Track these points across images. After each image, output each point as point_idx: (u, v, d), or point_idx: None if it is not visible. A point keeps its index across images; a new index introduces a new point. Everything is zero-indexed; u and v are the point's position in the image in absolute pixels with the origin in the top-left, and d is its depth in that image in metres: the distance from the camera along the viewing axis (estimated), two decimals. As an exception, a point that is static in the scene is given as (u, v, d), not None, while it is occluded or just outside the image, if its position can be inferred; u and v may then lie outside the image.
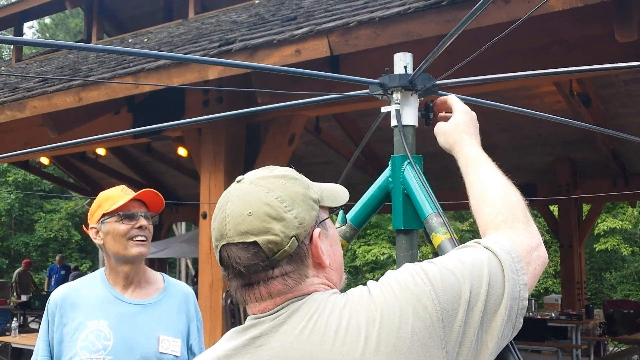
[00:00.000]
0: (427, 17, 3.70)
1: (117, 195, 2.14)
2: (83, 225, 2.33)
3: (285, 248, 0.98)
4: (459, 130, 1.47)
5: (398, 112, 1.50)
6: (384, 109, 1.53)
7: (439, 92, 1.57)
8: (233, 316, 5.22)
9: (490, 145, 9.96)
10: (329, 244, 1.06)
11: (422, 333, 0.95)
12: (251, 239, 0.98)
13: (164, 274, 2.33)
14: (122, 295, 2.15)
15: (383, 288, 1.01)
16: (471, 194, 1.29)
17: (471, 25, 3.71)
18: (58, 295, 2.18)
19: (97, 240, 2.15)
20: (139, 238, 2.11)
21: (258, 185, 1.02)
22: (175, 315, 2.20)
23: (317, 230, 1.02)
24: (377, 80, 1.52)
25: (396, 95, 1.50)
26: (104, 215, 2.11)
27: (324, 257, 1.03)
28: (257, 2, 7.51)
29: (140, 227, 2.11)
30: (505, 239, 1.10)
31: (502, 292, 1.01)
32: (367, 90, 1.56)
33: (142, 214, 2.13)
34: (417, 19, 3.72)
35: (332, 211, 1.14)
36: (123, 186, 2.21)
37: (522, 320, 1.04)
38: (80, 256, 24.02)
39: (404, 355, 0.94)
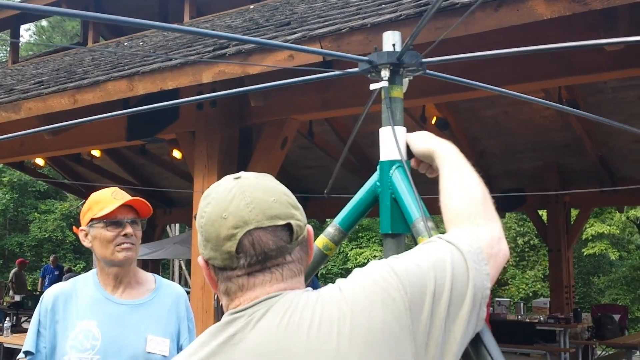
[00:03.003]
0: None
1: (106, 199, 2.15)
2: (74, 226, 2.36)
3: (304, 234, 1.08)
4: (432, 135, 1.50)
5: (386, 89, 1.53)
6: (372, 86, 1.56)
7: (427, 71, 1.61)
8: (225, 317, 5.26)
9: (479, 151, 10.11)
10: (313, 248, 1.17)
11: (391, 324, 0.99)
12: (281, 222, 1.04)
13: (156, 275, 2.35)
14: (112, 295, 2.18)
15: (352, 284, 1.05)
16: (440, 189, 1.35)
17: (460, 33, 3.79)
18: (51, 293, 2.20)
19: (86, 243, 2.19)
20: (124, 245, 2.13)
21: (266, 178, 1.10)
22: (165, 316, 2.21)
23: (309, 228, 1.11)
24: (366, 58, 1.56)
25: (384, 72, 1.53)
26: (92, 219, 2.14)
27: (312, 252, 1.13)
28: (251, 7, 7.57)
29: (125, 235, 2.13)
30: (467, 233, 1.16)
31: (467, 282, 1.06)
32: (357, 69, 1.59)
33: (129, 221, 2.14)
34: (408, 26, 3.78)
35: None
36: (115, 189, 2.22)
37: (485, 310, 1.09)
38: (74, 257, 23.94)
39: (377, 347, 0.97)
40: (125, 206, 2.15)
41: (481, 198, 1.26)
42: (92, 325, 2.10)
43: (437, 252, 1.10)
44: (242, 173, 1.11)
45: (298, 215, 1.07)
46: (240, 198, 1.04)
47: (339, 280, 1.08)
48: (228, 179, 1.09)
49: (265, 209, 1.03)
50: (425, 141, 1.44)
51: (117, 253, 2.13)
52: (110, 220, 2.12)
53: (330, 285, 1.07)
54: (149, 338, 2.14)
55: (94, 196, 2.21)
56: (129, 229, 2.14)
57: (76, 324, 2.11)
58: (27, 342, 2.18)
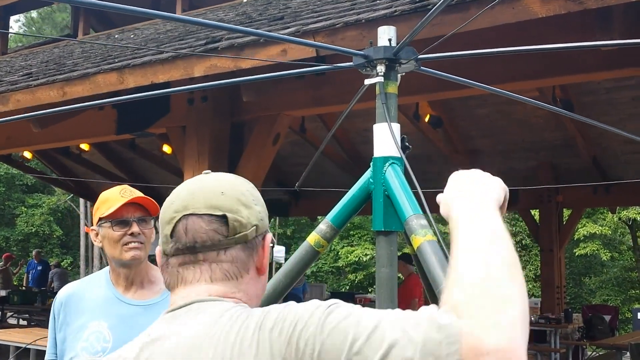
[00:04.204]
0: (414, 20, 3.73)
1: (114, 198, 2.09)
2: (86, 226, 2.29)
3: (247, 232, 1.01)
4: (448, 196, 1.18)
5: (381, 84, 1.51)
6: (367, 81, 1.54)
7: (421, 67, 1.58)
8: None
9: (473, 150, 10.09)
10: (265, 257, 1.07)
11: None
12: (220, 213, 1.00)
13: None
14: (124, 296, 2.13)
15: (280, 313, 0.90)
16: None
17: (455, 30, 3.74)
18: (63, 294, 2.17)
19: (97, 243, 2.13)
20: (132, 244, 2.06)
21: (232, 176, 1.08)
22: None
23: (269, 236, 1.06)
24: (361, 52, 1.53)
25: (380, 68, 1.51)
26: (100, 219, 2.09)
27: (266, 261, 1.05)
28: (244, 1, 7.51)
29: (132, 234, 2.06)
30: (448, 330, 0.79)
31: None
32: (351, 63, 1.56)
33: (136, 219, 2.07)
34: (403, 22, 3.74)
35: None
36: (124, 187, 2.15)
37: None
38: (61, 252, 23.80)
39: None
40: (133, 204, 2.08)
41: (479, 287, 0.82)
42: (104, 327, 2.06)
43: (394, 322, 0.82)
44: (219, 173, 1.11)
45: (243, 213, 1.01)
46: (192, 187, 1.05)
47: (274, 306, 0.94)
48: (204, 172, 1.10)
49: (208, 198, 1.02)
50: (444, 207, 1.15)
51: (125, 253, 2.06)
52: (117, 219, 2.05)
53: (269, 307, 0.95)
54: None
55: (103, 195, 2.14)
56: (135, 228, 2.06)
57: (87, 325, 2.07)
58: (47, 350, 2.17)
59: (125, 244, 2.06)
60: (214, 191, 1.02)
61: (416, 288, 7.35)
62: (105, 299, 2.12)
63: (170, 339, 0.96)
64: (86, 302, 2.12)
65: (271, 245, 1.11)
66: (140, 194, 2.11)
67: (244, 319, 0.92)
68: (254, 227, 1.02)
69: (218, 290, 1.00)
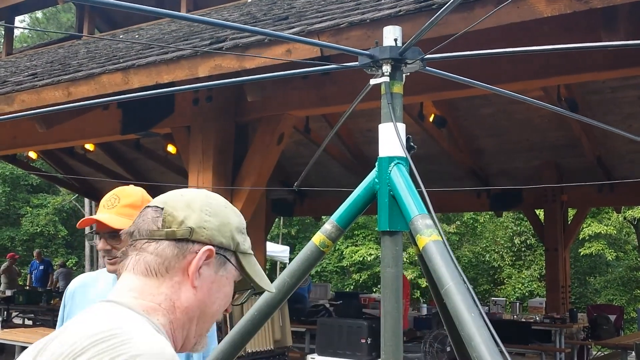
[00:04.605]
0: (418, 20, 3.72)
1: (101, 204, 2.02)
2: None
3: (176, 229, 1.01)
4: None
5: (387, 84, 1.51)
6: (373, 81, 1.54)
7: (426, 68, 1.58)
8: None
9: (478, 150, 10.07)
10: (212, 280, 1.03)
11: None
12: (163, 205, 1.04)
13: None
14: None
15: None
16: None
17: (461, 29, 3.74)
18: (74, 285, 2.17)
19: None
20: (106, 259, 1.98)
21: (208, 193, 1.10)
22: None
23: (209, 246, 1.02)
24: (367, 52, 1.52)
25: (386, 68, 1.50)
26: None
27: (196, 273, 1.00)
28: (249, 1, 7.52)
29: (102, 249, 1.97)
30: None
31: None
32: (357, 63, 1.56)
33: (106, 234, 1.94)
34: (408, 21, 3.74)
35: (252, 290, 1.13)
36: (113, 193, 2.04)
37: None
38: (66, 252, 23.86)
39: None
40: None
41: None
42: None
43: None
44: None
45: (183, 212, 1.03)
46: (176, 190, 1.12)
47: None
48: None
49: (167, 196, 1.08)
50: None
51: (107, 265, 2.00)
52: (89, 233, 2.02)
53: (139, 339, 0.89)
54: None
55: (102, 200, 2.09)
56: (101, 245, 1.96)
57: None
58: None
59: (104, 257, 1.99)
60: (177, 193, 1.09)
61: (403, 288, 7.45)
62: (106, 293, 2.10)
63: (54, 342, 0.92)
64: (91, 294, 2.11)
65: (233, 266, 1.06)
66: (126, 201, 1.97)
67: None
68: (189, 229, 1.01)
69: (136, 288, 0.99)
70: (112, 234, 1.94)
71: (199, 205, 1.05)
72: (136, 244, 1.02)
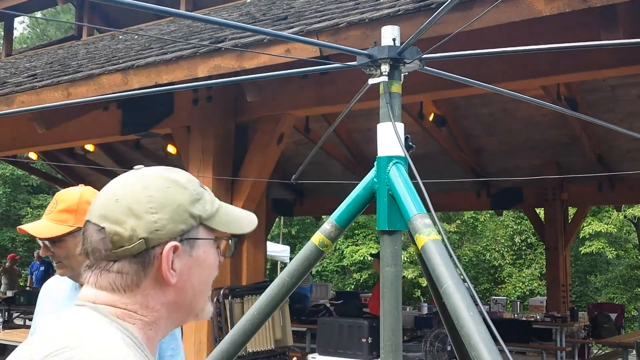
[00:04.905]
0: (417, 19, 3.72)
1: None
2: None
3: (129, 246, 0.94)
4: None
5: (386, 84, 1.51)
6: (371, 81, 1.54)
7: (425, 67, 1.58)
8: (219, 314, 5.22)
9: (478, 149, 10.05)
10: (189, 265, 0.99)
11: None
12: (104, 224, 0.95)
13: None
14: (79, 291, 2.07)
15: None
16: None
17: (458, 28, 3.74)
18: (44, 286, 2.18)
19: None
20: (55, 264, 1.98)
21: (142, 179, 0.99)
22: None
23: (172, 243, 0.96)
24: (366, 52, 1.53)
25: (384, 67, 1.51)
26: None
27: (168, 272, 0.95)
28: (248, 1, 7.52)
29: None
30: None
31: None
32: (355, 62, 1.56)
33: (45, 241, 1.93)
34: (406, 21, 3.74)
35: (233, 236, 1.09)
36: (57, 196, 2.00)
37: None
38: (67, 252, 23.87)
39: None
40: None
41: None
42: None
43: None
44: (146, 168, 1.04)
45: (128, 224, 0.94)
46: (102, 190, 1.02)
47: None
48: (134, 168, 1.05)
49: (102, 205, 0.98)
50: None
51: (57, 270, 1.98)
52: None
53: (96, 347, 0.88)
54: None
55: None
56: (42, 251, 1.96)
57: (45, 319, 2.07)
58: None
59: None
60: (111, 198, 0.98)
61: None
62: (66, 294, 2.08)
63: (16, 354, 0.92)
64: (54, 295, 2.10)
65: (225, 255, 1.05)
66: (61, 207, 1.92)
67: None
68: (141, 240, 0.94)
69: (104, 299, 0.95)
70: (51, 240, 1.91)
71: (142, 206, 0.95)
72: (95, 262, 0.97)
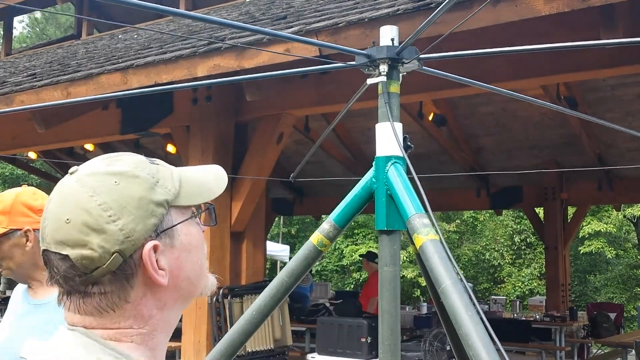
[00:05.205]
0: (416, 19, 3.73)
1: None
2: None
3: (104, 265, 0.82)
4: None
5: (384, 84, 1.52)
6: (370, 81, 1.55)
7: (423, 67, 1.59)
8: (219, 314, 5.23)
9: (478, 148, 10.07)
10: (177, 256, 0.88)
11: None
12: (65, 251, 0.82)
13: None
14: (27, 292, 2.06)
15: None
16: None
17: (459, 28, 3.76)
18: (15, 288, 2.16)
19: None
20: None
21: (84, 184, 0.85)
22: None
23: (150, 244, 0.84)
24: (364, 52, 1.53)
25: (383, 67, 1.51)
26: None
27: (157, 275, 0.85)
28: (247, 0, 7.52)
29: None
30: None
31: None
32: (354, 62, 1.57)
33: None
34: (405, 20, 3.75)
35: (204, 206, 0.96)
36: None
37: None
38: (66, 252, 23.93)
39: None
40: None
41: None
42: (5, 324, 2.02)
43: None
44: (83, 166, 0.89)
45: (94, 243, 0.81)
46: (45, 208, 0.87)
47: None
48: (69, 172, 0.90)
49: (54, 230, 0.84)
50: None
51: None
52: None
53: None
54: (29, 342, 2.00)
55: None
56: None
57: (2, 319, 2.05)
58: None
59: None
60: (59, 218, 0.83)
61: (377, 287, 7.58)
62: (21, 296, 2.08)
63: None
64: (15, 297, 2.10)
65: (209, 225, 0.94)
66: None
67: None
68: (115, 254, 0.82)
69: (94, 324, 0.85)
70: None
71: (98, 218, 0.82)
72: (72, 289, 0.85)
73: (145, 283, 0.86)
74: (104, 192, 0.84)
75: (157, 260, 0.85)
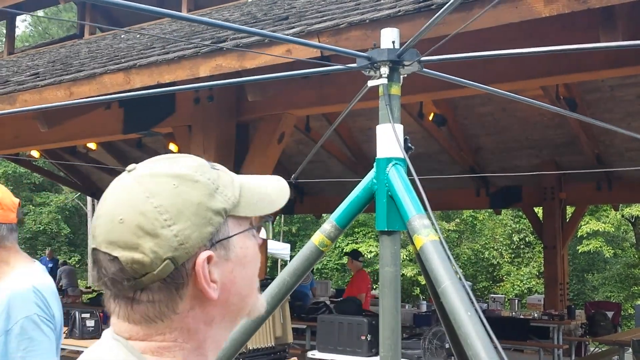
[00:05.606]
0: (417, 20, 3.75)
1: None
2: None
3: (155, 272, 0.77)
4: None
5: (385, 86, 1.54)
6: (370, 83, 1.57)
7: (424, 69, 1.61)
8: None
9: (477, 148, 10.09)
10: (230, 269, 0.83)
11: None
12: (116, 252, 0.78)
13: (35, 263, 2.09)
14: None
15: None
16: None
17: (458, 30, 3.79)
18: None
19: None
20: None
21: (142, 184, 0.80)
22: None
23: (205, 254, 0.79)
24: (365, 54, 1.55)
25: (384, 69, 1.53)
26: None
27: (208, 288, 0.80)
28: (249, 1, 7.54)
29: None
30: None
31: None
32: (355, 65, 1.59)
33: None
34: (407, 22, 3.77)
35: (263, 219, 0.90)
36: None
37: None
38: (69, 249, 23.93)
39: None
40: None
41: None
42: None
43: None
44: (142, 164, 0.85)
45: (146, 247, 0.77)
46: (100, 205, 0.83)
47: None
48: (127, 169, 0.85)
49: (107, 230, 0.79)
50: None
51: None
52: None
53: None
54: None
55: None
56: None
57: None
58: None
59: None
60: (113, 218, 0.79)
61: (363, 283, 7.98)
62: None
63: None
64: None
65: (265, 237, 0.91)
66: None
67: None
68: (167, 261, 0.77)
69: (139, 334, 0.81)
70: None
71: (154, 221, 0.77)
72: (119, 293, 0.80)
73: (194, 295, 0.80)
74: (161, 194, 0.79)
75: (209, 272, 0.80)
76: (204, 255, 0.79)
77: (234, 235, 0.83)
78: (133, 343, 0.81)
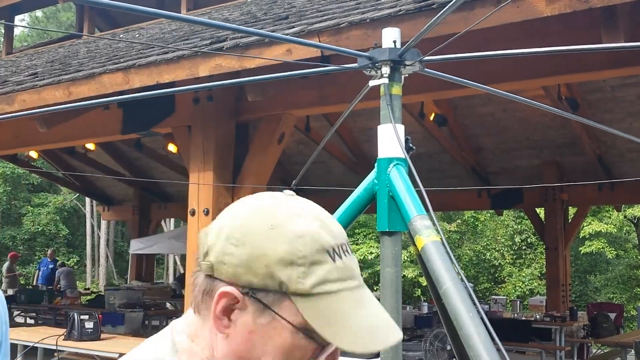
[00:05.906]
0: (418, 19, 3.73)
1: None
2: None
3: (202, 262, 0.83)
4: None
5: (386, 86, 1.52)
6: (372, 83, 1.55)
7: (425, 69, 1.59)
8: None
9: (478, 148, 10.07)
10: (250, 330, 0.79)
11: None
12: (205, 230, 0.86)
13: None
14: None
15: None
16: None
17: (461, 28, 3.76)
18: None
19: None
20: None
21: (259, 208, 0.83)
22: None
23: (224, 290, 0.79)
24: (366, 54, 1.54)
25: (385, 69, 1.52)
26: None
27: (224, 322, 0.80)
28: (249, 0, 7.52)
29: None
30: None
31: None
32: (356, 65, 1.57)
33: None
34: (407, 21, 3.75)
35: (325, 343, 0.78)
36: None
37: None
38: (67, 251, 23.92)
39: None
40: None
41: None
42: None
43: None
44: (287, 200, 0.86)
45: (210, 239, 0.82)
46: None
47: None
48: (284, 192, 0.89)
49: (222, 215, 0.87)
50: None
51: None
52: None
53: None
54: None
55: None
56: None
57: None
58: None
59: None
60: (228, 208, 0.86)
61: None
62: None
63: None
64: None
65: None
66: None
67: None
68: (210, 264, 0.81)
69: (189, 323, 0.87)
70: None
71: (229, 231, 0.80)
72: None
73: (212, 317, 0.82)
74: (253, 225, 0.81)
75: (228, 308, 0.80)
76: (226, 288, 0.79)
77: (272, 310, 0.78)
78: (180, 337, 0.86)
